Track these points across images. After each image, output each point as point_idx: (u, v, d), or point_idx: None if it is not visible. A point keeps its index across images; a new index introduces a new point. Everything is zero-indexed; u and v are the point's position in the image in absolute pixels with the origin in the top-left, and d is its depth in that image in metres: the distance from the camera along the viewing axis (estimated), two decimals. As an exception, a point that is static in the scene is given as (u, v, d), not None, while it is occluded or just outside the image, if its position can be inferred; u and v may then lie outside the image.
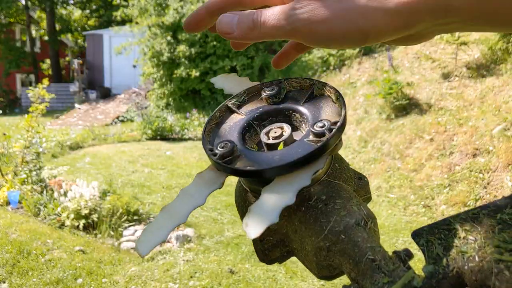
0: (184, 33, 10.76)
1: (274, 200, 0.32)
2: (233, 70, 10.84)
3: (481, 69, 5.76)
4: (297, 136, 0.39)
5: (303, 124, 0.39)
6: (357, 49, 8.78)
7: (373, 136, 6.13)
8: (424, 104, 5.90)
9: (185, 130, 9.27)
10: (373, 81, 6.76)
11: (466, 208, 3.30)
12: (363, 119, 6.61)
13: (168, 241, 3.74)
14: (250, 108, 0.43)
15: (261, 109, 0.42)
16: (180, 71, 10.70)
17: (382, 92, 6.17)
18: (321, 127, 0.35)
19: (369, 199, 0.42)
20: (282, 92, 0.42)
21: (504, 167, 4.07)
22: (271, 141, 0.37)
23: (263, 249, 0.39)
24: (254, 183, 0.38)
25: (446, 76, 6.16)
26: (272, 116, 0.41)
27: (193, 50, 10.69)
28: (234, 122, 0.41)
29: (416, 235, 0.32)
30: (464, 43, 6.21)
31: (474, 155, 4.48)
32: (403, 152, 5.36)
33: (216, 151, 0.36)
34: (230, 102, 0.43)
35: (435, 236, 0.31)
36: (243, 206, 0.40)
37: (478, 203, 3.94)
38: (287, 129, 0.38)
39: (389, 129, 5.96)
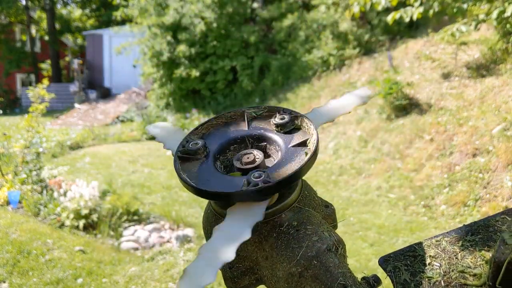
0: (184, 33, 10.75)
1: (212, 256, 0.31)
2: (233, 70, 10.84)
3: (481, 69, 5.76)
4: (268, 163, 0.40)
5: (275, 151, 0.41)
6: (357, 49, 8.78)
7: (373, 136, 6.13)
8: (424, 104, 5.90)
9: (185, 130, 9.24)
10: (373, 81, 6.76)
11: (466, 208, 3.29)
12: (363, 119, 6.61)
13: (168, 241, 3.75)
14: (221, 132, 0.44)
15: (234, 134, 0.43)
16: (180, 71, 10.69)
17: (382, 92, 6.17)
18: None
19: (335, 227, 0.43)
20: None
21: (504, 167, 4.07)
22: (243, 166, 0.38)
23: (232, 277, 0.38)
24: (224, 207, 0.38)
25: (446, 76, 6.16)
26: (244, 142, 0.42)
27: (193, 50, 10.69)
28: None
29: (384, 261, 0.34)
30: (464, 43, 6.22)
31: (474, 155, 4.48)
32: (403, 152, 5.36)
33: (252, 181, 0.36)
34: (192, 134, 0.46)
35: (402, 262, 0.33)
36: (211, 232, 0.40)
37: (478, 203, 3.94)
38: (259, 155, 0.39)
39: (389, 129, 5.96)
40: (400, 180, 4.92)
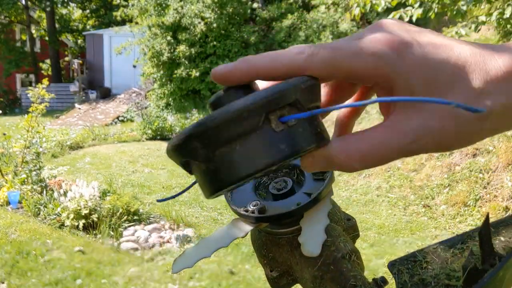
0: (184, 33, 10.75)
1: (200, 248, 0.41)
2: (233, 70, 10.84)
3: (481, 69, 5.76)
4: (297, 186, 0.47)
5: (301, 177, 0.48)
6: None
7: (373, 136, 6.12)
8: (424, 104, 5.90)
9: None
10: (373, 81, 6.75)
11: (466, 208, 3.31)
12: (363, 119, 6.61)
13: (168, 241, 3.74)
14: None
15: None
16: (180, 71, 10.69)
17: (382, 92, 6.17)
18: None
19: (357, 236, 0.50)
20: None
21: (504, 167, 4.07)
22: (275, 192, 0.46)
23: (273, 277, 0.47)
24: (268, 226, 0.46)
25: (446, 76, 6.16)
26: (294, 170, 0.49)
27: (193, 50, 10.68)
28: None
29: (391, 265, 0.41)
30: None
31: (474, 155, 4.48)
32: (403, 152, 5.36)
33: (250, 208, 0.43)
34: None
35: (404, 266, 0.41)
36: (255, 243, 0.49)
37: (478, 203, 3.94)
38: (289, 182, 0.46)
39: (389, 129, 5.96)
40: (400, 180, 4.92)
